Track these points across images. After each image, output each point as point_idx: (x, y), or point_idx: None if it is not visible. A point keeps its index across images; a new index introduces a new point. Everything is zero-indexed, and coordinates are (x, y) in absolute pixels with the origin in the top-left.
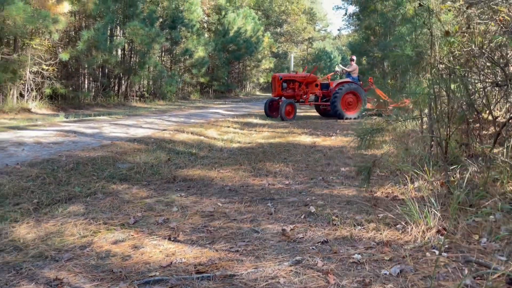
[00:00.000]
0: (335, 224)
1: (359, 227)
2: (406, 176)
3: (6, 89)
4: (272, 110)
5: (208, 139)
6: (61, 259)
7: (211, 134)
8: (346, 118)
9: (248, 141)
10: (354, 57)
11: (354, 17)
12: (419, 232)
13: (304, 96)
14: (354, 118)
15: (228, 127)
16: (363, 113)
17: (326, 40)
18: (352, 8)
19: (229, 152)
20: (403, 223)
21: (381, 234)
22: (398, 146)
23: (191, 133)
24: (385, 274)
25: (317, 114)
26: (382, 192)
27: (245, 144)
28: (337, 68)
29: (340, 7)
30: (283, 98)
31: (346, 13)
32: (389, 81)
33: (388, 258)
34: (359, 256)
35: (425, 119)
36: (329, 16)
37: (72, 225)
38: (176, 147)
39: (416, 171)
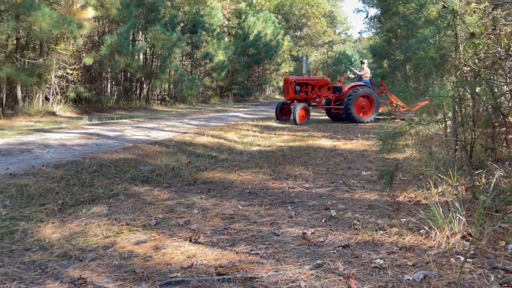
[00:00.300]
0: (357, 228)
1: (381, 231)
2: (430, 180)
3: (32, 92)
4: (283, 114)
5: (228, 142)
6: (85, 258)
7: (231, 137)
8: (359, 122)
9: (267, 144)
10: (365, 61)
11: (375, 19)
12: (443, 238)
13: (317, 100)
14: (367, 122)
15: (248, 130)
16: (377, 117)
17: (346, 43)
18: (373, 11)
19: (249, 155)
20: (427, 228)
21: (403, 239)
22: (421, 150)
23: (211, 136)
24: (408, 279)
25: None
26: (405, 197)
27: (265, 147)
28: (348, 72)
29: (361, 10)
30: (295, 102)
31: (367, 16)
32: (411, 84)
33: (411, 264)
34: (381, 261)
35: (449, 122)
36: (349, 19)
37: (96, 225)
38: (197, 150)
39: (439, 175)
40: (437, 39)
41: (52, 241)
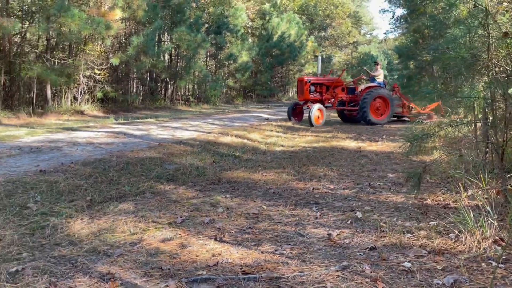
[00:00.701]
0: (383, 231)
1: (409, 234)
2: (459, 183)
3: (61, 92)
4: (295, 115)
5: (252, 142)
6: (113, 254)
7: (254, 138)
8: (374, 124)
9: (291, 145)
10: (380, 62)
11: (401, 20)
12: (474, 242)
13: (332, 100)
14: (381, 124)
15: (271, 130)
16: (392, 119)
17: (371, 44)
18: (400, 11)
19: (272, 156)
20: (456, 232)
21: (432, 242)
22: (449, 152)
23: (235, 136)
24: (438, 284)
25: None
26: (433, 200)
27: (288, 148)
28: (362, 73)
29: (387, 10)
30: (309, 103)
31: (393, 16)
32: (439, 85)
33: (440, 268)
34: (410, 264)
35: (479, 124)
36: (375, 19)
37: (123, 222)
38: (221, 150)
39: (469, 178)
40: (468, 39)
41: (81, 237)
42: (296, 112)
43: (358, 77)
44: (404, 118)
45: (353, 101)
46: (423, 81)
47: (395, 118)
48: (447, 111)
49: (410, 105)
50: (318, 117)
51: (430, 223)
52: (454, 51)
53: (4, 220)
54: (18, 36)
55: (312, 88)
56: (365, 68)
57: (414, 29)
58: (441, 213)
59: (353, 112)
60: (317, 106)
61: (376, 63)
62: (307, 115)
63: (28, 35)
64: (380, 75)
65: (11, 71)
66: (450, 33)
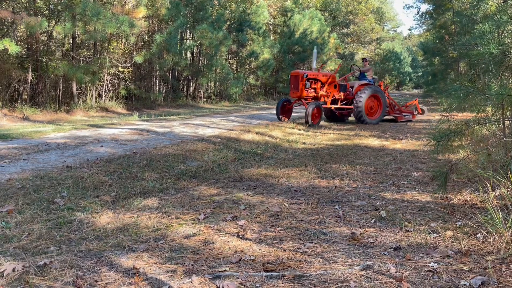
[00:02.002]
0: (408, 230)
1: (435, 234)
2: (487, 183)
3: (86, 89)
4: (283, 112)
5: (273, 139)
6: (138, 249)
7: (276, 135)
8: (367, 123)
9: (313, 142)
10: (368, 58)
11: (426, 16)
12: (502, 243)
13: (327, 99)
14: (374, 123)
15: (293, 128)
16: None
17: (395, 41)
18: (425, 7)
19: (294, 153)
20: (484, 233)
21: (459, 243)
22: (476, 151)
23: (256, 133)
24: (465, 285)
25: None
26: (459, 199)
27: (310, 146)
28: (354, 68)
29: (412, 6)
30: (303, 100)
31: (418, 12)
32: (465, 82)
33: (467, 269)
34: (436, 264)
35: (507, 122)
36: (399, 16)
37: (147, 218)
38: (242, 147)
39: (498, 178)
40: (497, 34)
41: (107, 231)
42: (285, 110)
43: (349, 73)
44: (390, 117)
45: (346, 99)
46: (449, 78)
47: (389, 117)
48: (424, 110)
49: (394, 103)
50: (316, 115)
51: (456, 223)
52: (482, 47)
53: (32, 214)
54: (45, 34)
55: (308, 84)
56: (355, 64)
57: (439, 25)
58: (468, 213)
59: (344, 111)
60: (314, 104)
61: (364, 60)
62: (303, 113)
63: (54, 33)
64: (370, 71)
65: (38, 68)
66: (478, 28)
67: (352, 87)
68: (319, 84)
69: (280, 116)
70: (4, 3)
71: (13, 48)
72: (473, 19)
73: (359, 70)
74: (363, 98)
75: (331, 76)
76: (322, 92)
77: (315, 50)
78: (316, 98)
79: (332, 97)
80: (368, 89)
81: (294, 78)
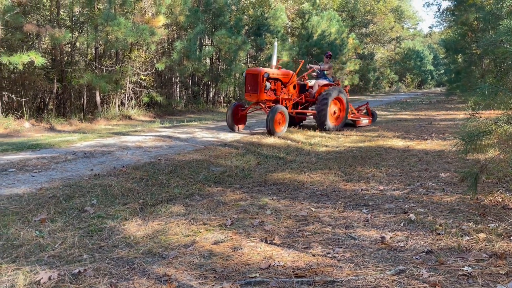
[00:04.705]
0: (439, 233)
1: (467, 237)
2: None
3: (109, 98)
4: (237, 120)
5: (295, 143)
6: (168, 256)
7: (297, 138)
8: (329, 130)
9: (335, 145)
10: (330, 53)
11: (447, 12)
12: None
13: (289, 102)
14: (337, 130)
15: (314, 130)
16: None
17: (415, 39)
18: (446, 4)
19: (317, 156)
20: None
21: (493, 245)
22: (507, 150)
23: (278, 137)
24: None
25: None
26: (491, 201)
27: (333, 148)
28: (313, 66)
29: (432, 4)
30: (261, 103)
31: (439, 9)
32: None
33: (503, 272)
34: (470, 268)
35: None
36: (419, 13)
37: (175, 224)
38: (264, 151)
39: None
40: None
41: (137, 239)
42: (238, 117)
43: (308, 71)
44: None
45: (306, 102)
46: (473, 76)
47: (351, 122)
48: (374, 112)
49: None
50: (279, 122)
51: (489, 225)
52: (509, 44)
53: (64, 223)
54: (69, 45)
55: (268, 84)
56: (314, 60)
57: (462, 21)
58: (500, 215)
59: (303, 115)
60: (278, 108)
61: (327, 55)
62: (265, 120)
63: (77, 44)
64: (330, 69)
65: (63, 79)
66: (504, 25)
67: (311, 87)
68: (279, 84)
69: (233, 125)
70: (29, 16)
71: (38, 60)
72: (498, 15)
73: (319, 68)
74: (328, 101)
75: (292, 75)
76: (283, 95)
77: (275, 44)
78: (276, 101)
79: (294, 100)
80: (332, 91)
81: (251, 78)
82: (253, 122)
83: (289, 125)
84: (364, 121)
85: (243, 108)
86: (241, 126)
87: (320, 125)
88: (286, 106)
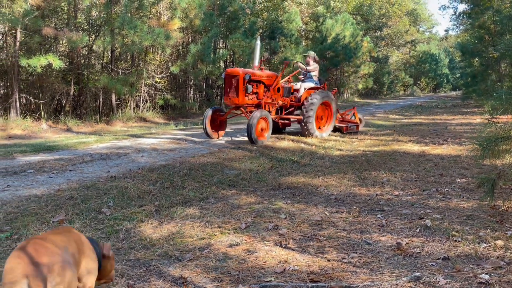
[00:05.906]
0: (456, 240)
1: (484, 244)
2: None
3: (124, 100)
4: (215, 127)
5: (309, 146)
6: (184, 259)
7: (311, 141)
8: (316, 136)
9: (349, 149)
10: (312, 54)
11: (464, 16)
12: None
13: (272, 107)
14: (323, 137)
15: (329, 134)
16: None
17: (431, 42)
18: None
19: (331, 160)
20: None
21: (511, 253)
22: None
23: (291, 140)
24: None
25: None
26: (508, 207)
27: (347, 152)
28: (299, 66)
29: (448, 7)
30: (242, 109)
31: (455, 12)
32: (506, 83)
33: None
34: (487, 276)
35: None
36: (434, 16)
37: (190, 227)
38: (278, 155)
39: None
40: None
41: (153, 241)
42: (216, 124)
43: (293, 73)
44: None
45: (291, 106)
46: (490, 80)
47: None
48: (362, 120)
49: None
50: (262, 129)
51: (507, 232)
52: None
53: (82, 224)
54: (86, 48)
55: (250, 87)
56: (299, 62)
57: (478, 24)
58: None
59: (288, 121)
60: (261, 113)
61: (307, 56)
62: (246, 127)
63: (94, 47)
64: (316, 71)
65: (80, 81)
66: None
67: (296, 91)
68: (262, 87)
69: (211, 132)
70: (47, 19)
71: (56, 62)
72: None
73: (305, 70)
74: (314, 106)
75: (277, 77)
76: (267, 99)
77: (257, 42)
78: (258, 106)
79: (278, 104)
80: (319, 95)
81: (231, 79)
82: (238, 128)
83: (273, 132)
84: (352, 126)
85: (222, 114)
86: (221, 133)
87: (305, 132)
88: (269, 111)
